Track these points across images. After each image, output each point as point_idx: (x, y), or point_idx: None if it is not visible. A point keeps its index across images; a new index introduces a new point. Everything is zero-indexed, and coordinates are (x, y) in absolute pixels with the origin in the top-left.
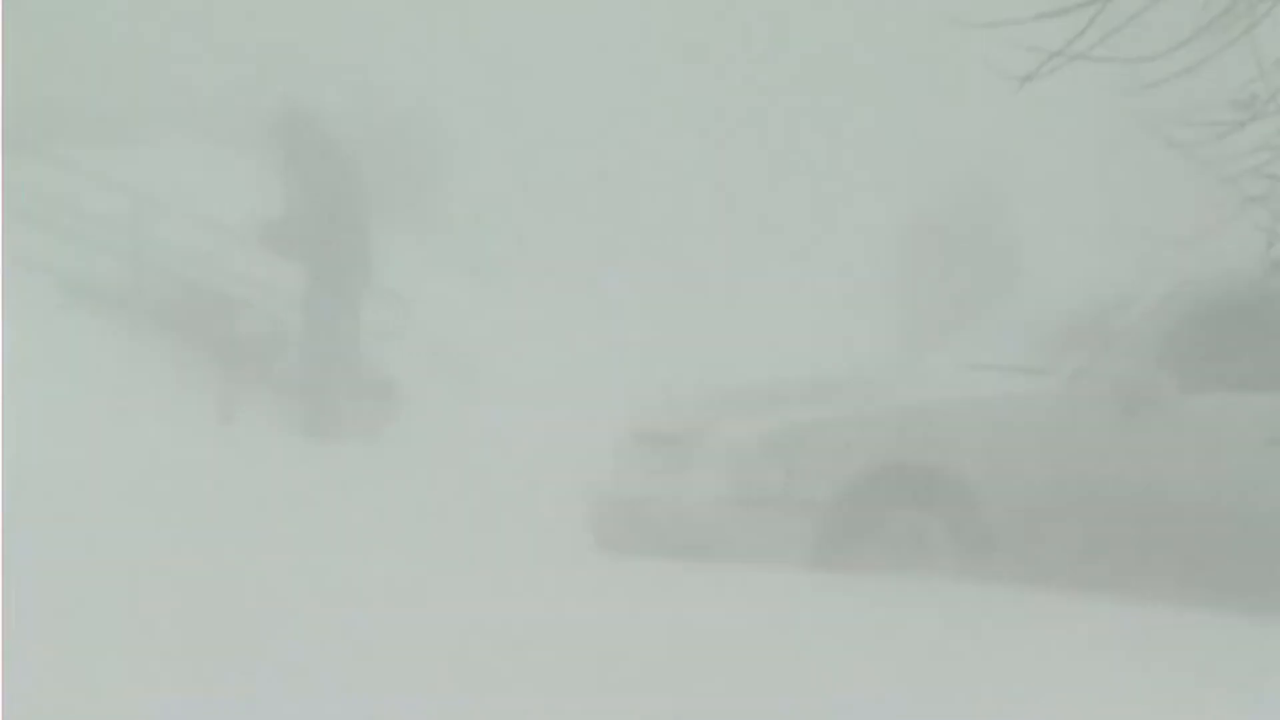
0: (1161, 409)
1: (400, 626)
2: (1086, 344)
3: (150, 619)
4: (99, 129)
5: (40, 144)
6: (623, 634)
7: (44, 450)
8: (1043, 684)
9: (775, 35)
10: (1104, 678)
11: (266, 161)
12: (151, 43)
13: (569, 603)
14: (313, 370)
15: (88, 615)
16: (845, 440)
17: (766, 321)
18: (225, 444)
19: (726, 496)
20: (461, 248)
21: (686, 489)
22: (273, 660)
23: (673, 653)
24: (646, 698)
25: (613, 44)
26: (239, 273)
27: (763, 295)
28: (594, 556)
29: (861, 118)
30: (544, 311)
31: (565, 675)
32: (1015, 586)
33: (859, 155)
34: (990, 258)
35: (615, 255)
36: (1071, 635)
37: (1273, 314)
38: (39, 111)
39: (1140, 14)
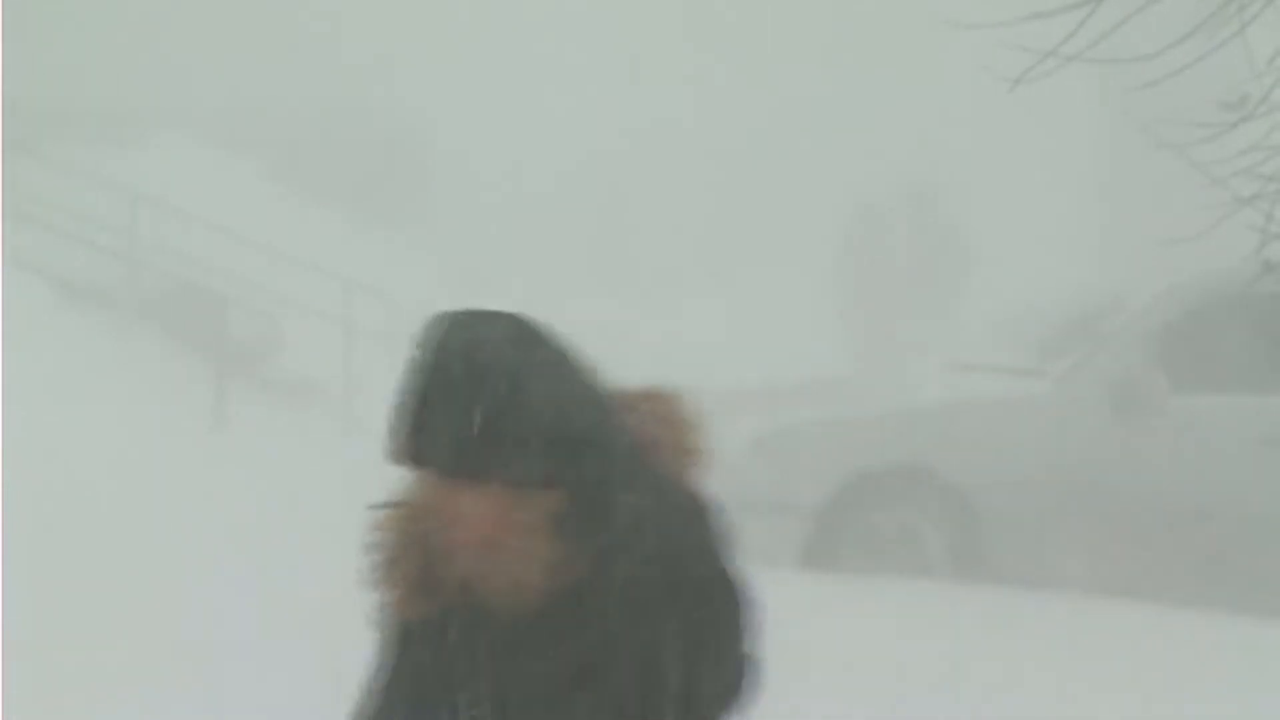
0: (1153, 410)
1: None
2: (1078, 345)
3: (147, 617)
4: (99, 129)
5: (40, 144)
6: None
7: (42, 449)
8: (1037, 684)
9: (766, 38)
10: (1097, 678)
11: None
12: (151, 43)
13: None
14: None
15: (85, 613)
16: (836, 442)
17: (757, 325)
18: (220, 443)
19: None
20: (454, 249)
21: None
22: (269, 658)
23: None
24: None
25: (605, 48)
26: (235, 273)
27: (753, 298)
28: None
29: (857, 119)
30: (536, 314)
31: None
32: (1007, 588)
33: (853, 156)
34: (984, 258)
35: (607, 258)
36: (1063, 636)
37: (1264, 315)
38: (39, 111)
39: (1132, 15)
